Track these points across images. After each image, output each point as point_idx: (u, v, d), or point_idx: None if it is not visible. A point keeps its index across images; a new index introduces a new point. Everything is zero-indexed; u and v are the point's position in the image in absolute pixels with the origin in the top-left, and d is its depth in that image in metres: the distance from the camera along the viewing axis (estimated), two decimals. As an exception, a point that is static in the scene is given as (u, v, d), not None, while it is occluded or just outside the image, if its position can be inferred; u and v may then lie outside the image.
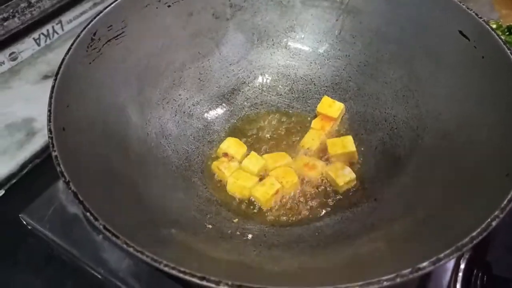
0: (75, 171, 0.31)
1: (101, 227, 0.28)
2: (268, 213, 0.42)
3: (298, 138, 0.48)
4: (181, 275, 0.25)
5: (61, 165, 0.30)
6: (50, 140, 0.32)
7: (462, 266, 0.40)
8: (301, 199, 0.43)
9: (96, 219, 0.28)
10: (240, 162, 0.45)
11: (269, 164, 0.44)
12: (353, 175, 0.43)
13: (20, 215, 0.42)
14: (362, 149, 0.46)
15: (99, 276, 0.40)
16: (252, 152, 0.45)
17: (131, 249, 0.26)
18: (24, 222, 0.43)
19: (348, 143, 0.45)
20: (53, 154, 0.31)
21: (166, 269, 0.26)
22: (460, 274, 0.40)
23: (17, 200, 0.46)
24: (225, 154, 0.45)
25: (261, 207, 0.42)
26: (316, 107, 0.48)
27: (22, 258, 0.43)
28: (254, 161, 0.44)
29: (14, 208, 0.43)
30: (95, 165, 0.35)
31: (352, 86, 0.49)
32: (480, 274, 0.41)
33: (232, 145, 0.45)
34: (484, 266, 0.42)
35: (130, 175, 0.38)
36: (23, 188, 0.48)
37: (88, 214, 0.28)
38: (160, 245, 0.32)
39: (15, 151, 0.50)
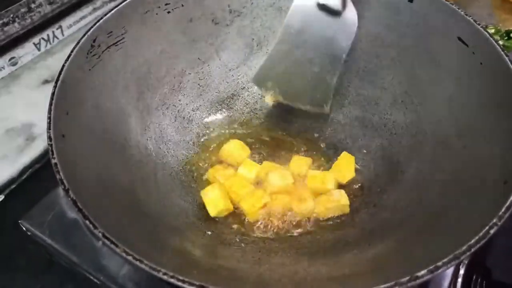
0: (75, 179, 0.31)
1: (100, 235, 0.28)
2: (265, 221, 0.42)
3: (296, 143, 0.48)
4: (180, 283, 0.25)
5: (60, 173, 0.30)
6: (49, 147, 0.32)
7: (462, 271, 0.40)
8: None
9: (95, 227, 0.28)
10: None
11: (270, 179, 0.43)
12: (346, 201, 0.41)
13: (19, 221, 0.42)
14: (361, 154, 0.46)
15: (99, 282, 0.40)
16: (247, 159, 0.45)
17: (130, 258, 0.26)
18: (24, 228, 0.43)
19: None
20: (53, 161, 0.31)
21: (165, 277, 0.26)
22: (460, 279, 0.40)
23: (16, 205, 0.47)
24: (220, 162, 0.45)
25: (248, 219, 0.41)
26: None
27: (21, 264, 0.43)
28: (249, 168, 0.44)
29: (14, 214, 0.43)
30: (95, 172, 0.35)
31: (351, 91, 0.49)
32: (479, 279, 0.41)
33: (236, 147, 0.45)
34: (483, 271, 0.42)
35: (129, 181, 0.38)
36: (22, 194, 0.48)
37: (87, 222, 0.28)
38: (159, 252, 0.32)
39: (15, 156, 0.50)
